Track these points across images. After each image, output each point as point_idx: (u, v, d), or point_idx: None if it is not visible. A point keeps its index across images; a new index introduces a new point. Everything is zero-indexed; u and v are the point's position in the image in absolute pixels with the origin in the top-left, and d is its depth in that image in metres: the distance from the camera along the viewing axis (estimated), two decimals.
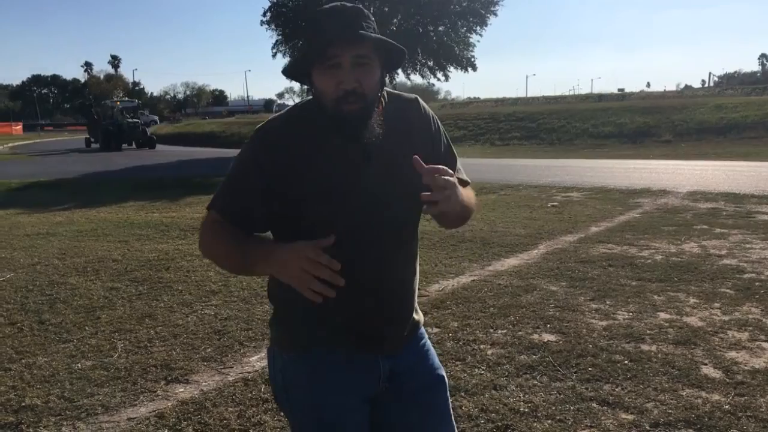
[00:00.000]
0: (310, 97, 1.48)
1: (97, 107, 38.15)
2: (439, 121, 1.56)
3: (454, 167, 1.54)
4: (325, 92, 1.37)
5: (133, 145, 31.82)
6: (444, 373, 1.60)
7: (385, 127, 1.42)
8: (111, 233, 7.75)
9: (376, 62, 1.39)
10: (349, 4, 1.40)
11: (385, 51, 1.41)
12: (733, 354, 3.56)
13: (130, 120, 32.62)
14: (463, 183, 1.57)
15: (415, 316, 1.58)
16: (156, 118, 70.70)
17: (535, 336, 3.93)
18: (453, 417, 1.61)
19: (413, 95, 1.54)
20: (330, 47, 1.33)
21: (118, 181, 15.02)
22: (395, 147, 1.43)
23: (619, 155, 18.42)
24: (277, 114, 1.51)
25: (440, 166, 1.28)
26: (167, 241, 7.20)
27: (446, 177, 1.27)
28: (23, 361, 3.75)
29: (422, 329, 1.63)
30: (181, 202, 10.73)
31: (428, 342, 1.63)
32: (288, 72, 1.49)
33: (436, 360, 1.61)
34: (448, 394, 1.61)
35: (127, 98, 38.20)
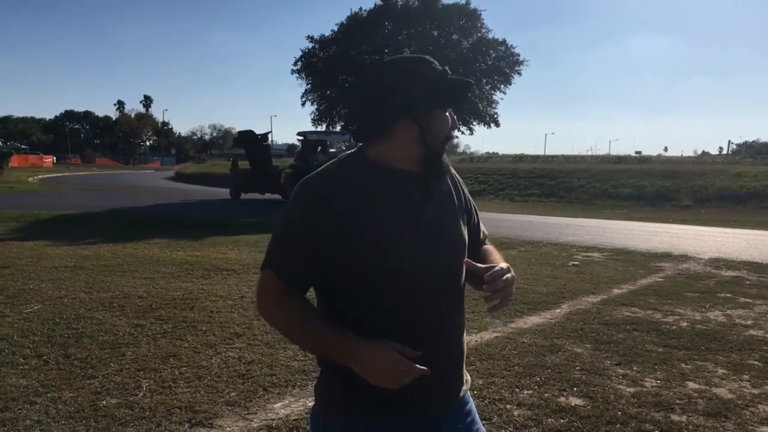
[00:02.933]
0: (345, 153, 1.53)
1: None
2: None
3: (478, 221, 1.69)
4: (439, 132, 1.45)
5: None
6: None
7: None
8: (137, 269, 7.83)
9: None
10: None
11: None
12: (765, 429, 3.48)
13: None
14: (485, 237, 1.73)
15: (465, 373, 1.61)
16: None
17: (562, 399, 3.88)
18: None
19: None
20: (462, 96, 1.48)
21: (143, 217, 15.20)
22: (449, 202, 1.55)
23: (639, 217, 18.34)
24: (321, 168, 1.50)
25: (497, 270, 1.41)
26: (192, 280, 7.26)
27: (505, 276, 1.40)
28: (49, 395, 3.76)
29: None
30: (205, 241, 10.84)
31: (473, 405, 1.65)
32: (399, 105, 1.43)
33: (482, 427, 1.64)
34: None
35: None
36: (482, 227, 1.71)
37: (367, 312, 1.40)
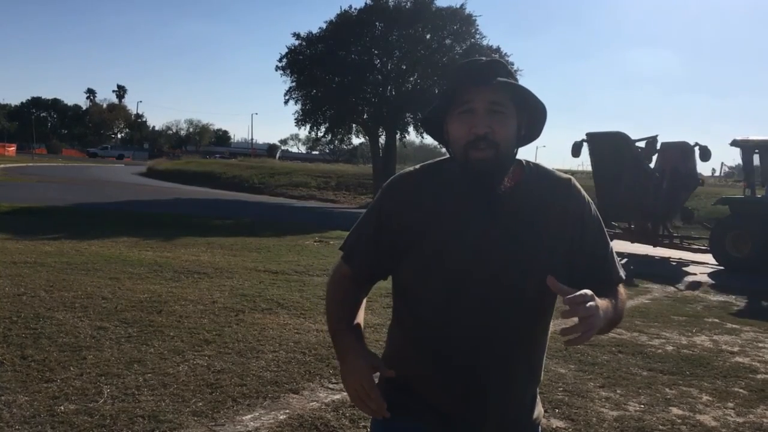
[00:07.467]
0: (444, 157, 1.45)
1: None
2: (594, 207, 1.45)
3: (604, 257, 1.44)
4: (457, 139, 1.34)
5: None
6: None
7: (524, 197, 1.36)
8: (102, 268, 7.50)
9: (513, 113, 1.33)
10: (487, 58, 1.38)
11: (524, 105, 1.35)
12: None
13: None
14: (615, 281, 1.45)
15: (528, 413, 1.47)
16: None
17: (543, 420, 3.71)
18: None
19: (567, 175, 1.45)
20: (464, 92, 1.30)
21: (111, 213, 14.72)
22: (532, 219, 1.35)
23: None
24: (409, 168, 1.49)
25: (581, 293, 1.18)
26: (160, 282, 6.97)
27: (589, 304, 1.17)
28: (3, 398, 3.52)
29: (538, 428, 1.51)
30: (176, 242, 10.47)
31: None
32: (423, 123, 1.48)
33: None
34: None
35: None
36: (614, 269, 1.45)
37: (409, 306, 1.44)
